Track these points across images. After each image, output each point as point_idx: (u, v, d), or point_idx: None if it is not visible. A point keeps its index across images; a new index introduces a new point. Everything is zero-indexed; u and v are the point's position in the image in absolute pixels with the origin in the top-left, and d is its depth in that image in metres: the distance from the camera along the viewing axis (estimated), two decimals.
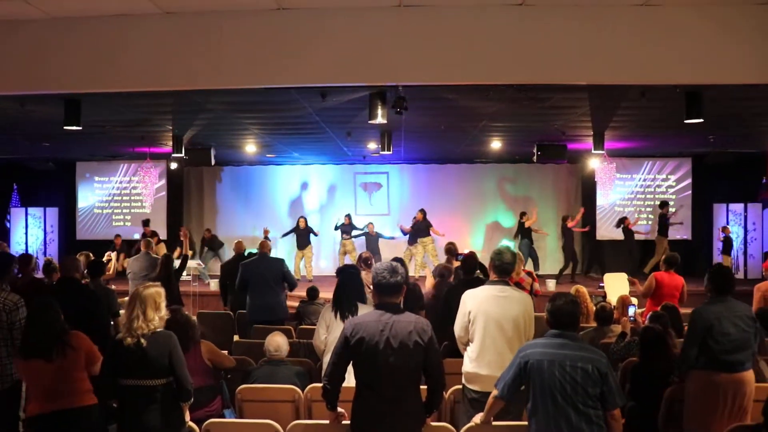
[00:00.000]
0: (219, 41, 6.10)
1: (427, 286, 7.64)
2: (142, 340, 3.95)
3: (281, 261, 8.34)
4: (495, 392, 3.74)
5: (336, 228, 15.54)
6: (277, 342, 5.19)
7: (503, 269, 4.56)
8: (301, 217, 15.33)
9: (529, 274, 8.45)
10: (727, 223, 15.59)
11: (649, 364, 5.06)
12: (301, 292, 9.08)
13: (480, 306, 4.45)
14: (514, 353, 4.29)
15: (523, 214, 15.07)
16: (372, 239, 15.01)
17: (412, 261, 14.79)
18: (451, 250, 8.50)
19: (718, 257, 14.93)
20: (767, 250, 15.02)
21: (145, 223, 15.41)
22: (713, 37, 5.99)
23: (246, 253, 9.48)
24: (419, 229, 14.93)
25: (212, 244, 15.69)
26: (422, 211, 15.10)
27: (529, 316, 4.48)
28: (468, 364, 4.48)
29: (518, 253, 8.70)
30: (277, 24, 6.03)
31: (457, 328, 4.54)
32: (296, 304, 9.02)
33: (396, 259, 5.34)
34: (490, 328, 4.39)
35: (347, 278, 5.22)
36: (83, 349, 4.24)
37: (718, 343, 4.56)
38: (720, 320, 4.58)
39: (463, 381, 4.53)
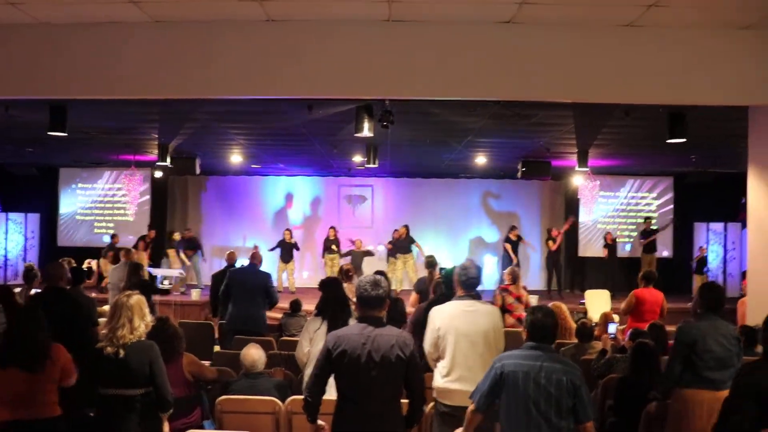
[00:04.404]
0: (207, 51, 6.11)
1: (411, 301, 7.66)
2: (121, 351, 3.93)
3: (268, 275, 8.36)
4: (471, 406, 3.75)
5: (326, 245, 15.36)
6: (252, 357, 5.10)
7: (470, 284, 4.59)
8: (287, 229, 15.28)
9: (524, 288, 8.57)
10: (707, 241, 15.75)
11: (637, 378, 5.08)
12: (284, 303, 9.05)
13: (449, 322, 4.47)
14: (485, 367, 4.33)
15: (512, 228, 15.06)
16: (357, 255, 14.94)
17: (394, 275, 14.69)
18: (431, 263, 8.52)
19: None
20: (745, 269, 15.15)
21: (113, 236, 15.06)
22: (696, 59, 6.09)
23: (237, 265, 9.47)
24: (401, 246, 14.85)
25: (190, 245, 14.90)
26: (406, 226, 14.97)
27: (498, 328, 4.51)
28: (439, 380, 4.49)
29: (515, 269, 8.76)
30: (266, 35, 6.05)
31: (427, 344, 4.55)
32: (279, 315, 8.99)
33: (379, 272, 5.35)
34: (460, 344, 4.41)
35: (337, 292, 5.27)
36: (60, 362, 4.14)
37: (702, 360, 4.59)
38: (704, 337, 4.62)
39: (435, 395, 4.54)
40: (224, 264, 10.31)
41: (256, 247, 12.86)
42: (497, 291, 8.49)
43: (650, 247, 14.76)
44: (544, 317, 3.71)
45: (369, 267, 14.85)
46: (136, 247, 13.95)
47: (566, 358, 3.81)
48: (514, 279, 8.39)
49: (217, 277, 9.54)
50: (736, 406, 3.94)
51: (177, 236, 15.10)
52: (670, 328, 6.16)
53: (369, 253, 14.87)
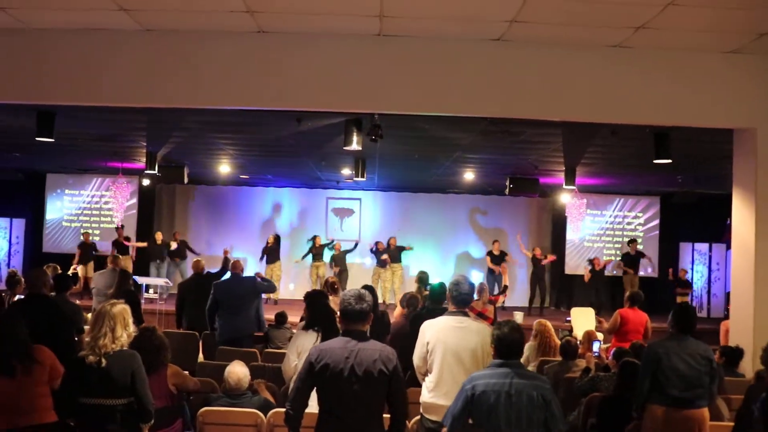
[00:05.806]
0: (198, 60, 6.12)
1: (396, 314, 7.63)
2: (103, 360, 3.89)
3: (253, 278, 8.34)
4: (444, 429, 3.76)
5: (310, 248, 15.47)
6: (237, 375, 5.00)
7: (461, 300, 4.59)
8: (272, 234, 15.38)
9: (492, 302, 8.49)
10: (692, 262, 15.87)
11: (623, 396, 5.08)
12: (269, 315, 8.99)
13: (438, 336, 4.47)
14: None
15: (494, 242, 15.13)
16: (339, 256, 15.03)
17: (380, 285, 14.71)
18: (422, 279, 8.51)
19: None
20: (729, 290, 15.24)
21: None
22: (682, 81, 6.16)
23: (205, 273, 9.23)
24: (392, 256, 14.95)
25: (178, 253, 15.09)
26: (395, 239, 15.23)
27: (487, 346, 4.49)
28: (426, 394, 4.49)
29: (483, 284, 8.73)
30: (257, 46, 6.07)
31: (416, 358, 4.56)
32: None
33: (366, 287, 5.34)
34: (447, 359, 4.41)
35: (324, 305, 5.30)
36: (47, 363, 4.17)
37: (667, 378, 4.65)
38: (668, 355, 4.68)
39: (421, 411, 4.54)
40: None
41: (226, 252, 12.71)
42: None
43: (633, 267, 14.80)
44: (510, 332, 3.70)
45: (359, 275, 14.96)
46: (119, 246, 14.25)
47: (534, 372, 3.82)
48: (479, 292, 8.28)
49: (184, 287, 9.22)
50: (747, 411, 4.45)
51: (173, 244, 15.05)
52: None
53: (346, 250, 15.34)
